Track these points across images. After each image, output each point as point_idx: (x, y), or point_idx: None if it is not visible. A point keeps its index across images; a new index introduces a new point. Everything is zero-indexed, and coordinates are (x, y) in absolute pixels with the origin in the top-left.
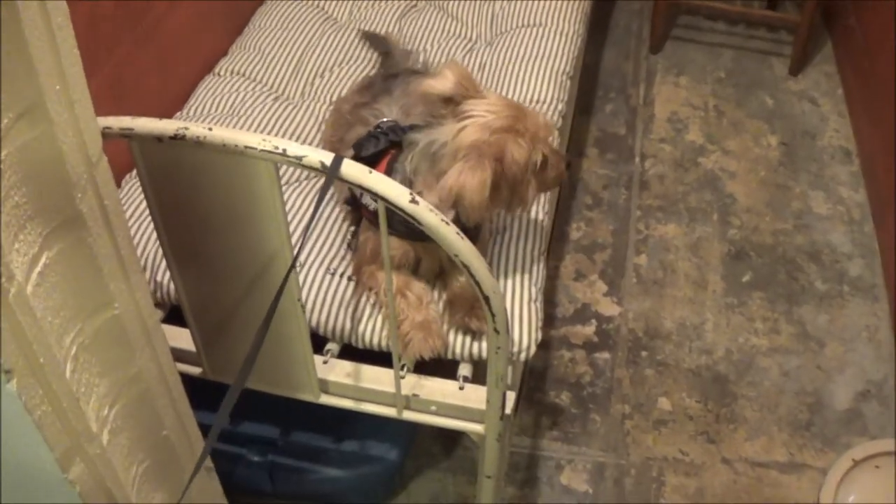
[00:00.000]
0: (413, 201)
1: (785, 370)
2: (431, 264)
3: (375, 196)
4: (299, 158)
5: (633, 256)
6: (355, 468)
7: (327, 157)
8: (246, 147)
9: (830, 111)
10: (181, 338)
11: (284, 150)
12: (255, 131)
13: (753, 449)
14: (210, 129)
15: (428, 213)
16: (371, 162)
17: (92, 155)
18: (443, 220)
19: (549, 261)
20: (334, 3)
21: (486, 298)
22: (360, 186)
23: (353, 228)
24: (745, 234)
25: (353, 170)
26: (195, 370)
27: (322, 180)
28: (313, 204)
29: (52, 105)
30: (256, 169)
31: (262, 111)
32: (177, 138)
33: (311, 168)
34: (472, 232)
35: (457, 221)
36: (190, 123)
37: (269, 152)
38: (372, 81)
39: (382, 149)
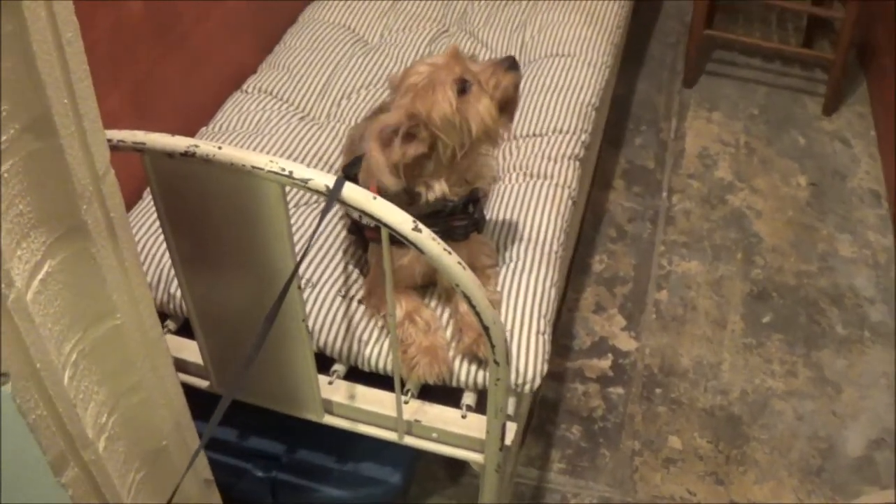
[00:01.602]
0: (416, 229)
1: (799, 414)
2: (445, 282)
3: (378, 223)
4: (305, 181)
5: (653, 292)
6: (357, 489)
7: (333, 181)
8: (253, 167)
9: (862, 153)
10: (190, 350)
11: (291, 173)
12: (279, 151)
13: (762, 493)
14: (220, 147)
15: (430, 242)
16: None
17: (99, 168)
18: (445, 249)
19: (568, 293)
20: (366, 26)
21: (487, 329)
22: (363, 212)
23: (365, 256)
24: (768, 275)
25: (356, 194)
26: (203, 383)
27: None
28: (322, 225)
29: (60, 118)
30: (264, 189)
31: (287, 131)
32: (187, 155)
33: (316, 191)
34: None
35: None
36: (201, 141)
37: (276, 173)
38: (383, 108)
39: None
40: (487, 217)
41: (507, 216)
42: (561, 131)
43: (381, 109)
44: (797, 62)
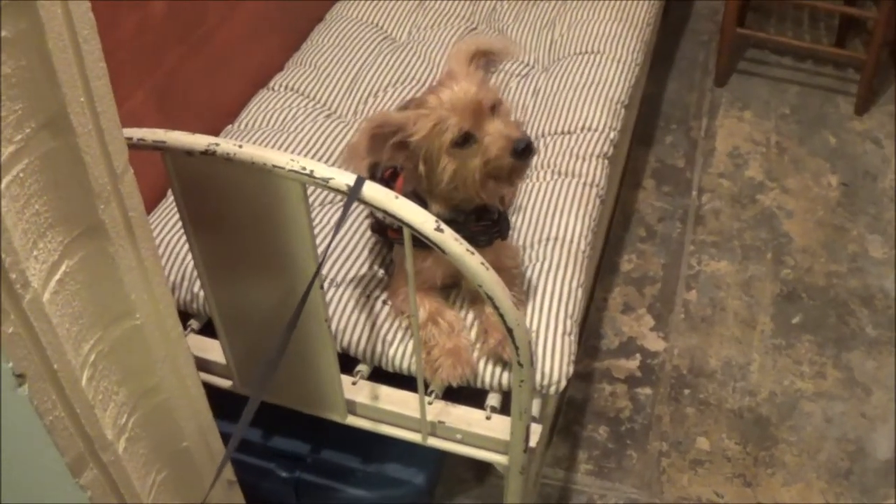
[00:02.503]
0: (438, 229)
1: (828, 416)
2: (469, 285)
3: (400, 223)
4: (326, 180)
5: (682, 292)
6: (381, 490)
7: (353, 180)
8: (274, 166)
9: (893, 153)
10: (214, 350)
11: (312, 172)
12: (304, 149)
13: (790, 495)
14: (240, 146)
15: (453, 242)
16: (390, 180)
17: (117, 167)
18: (468, 249)
19: (596, 292)
20: (394, 23)
21: (510, 330)
22: (385, 211)
23: (390, 255)
24: (798, 275)
25: (377, 194)
26: (226, 383)
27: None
28: (344, 225)
29: (76, 116)
30: (285, 188)
31: (313, 128)
32: (207, 153)
33: (337, 190)
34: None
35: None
36: (221, 139)
37: (297, 172)
38: (407, 105)
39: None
40: (513, 216)
41: (535, 214)
42: (590, 129)
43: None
44: (829, 62)
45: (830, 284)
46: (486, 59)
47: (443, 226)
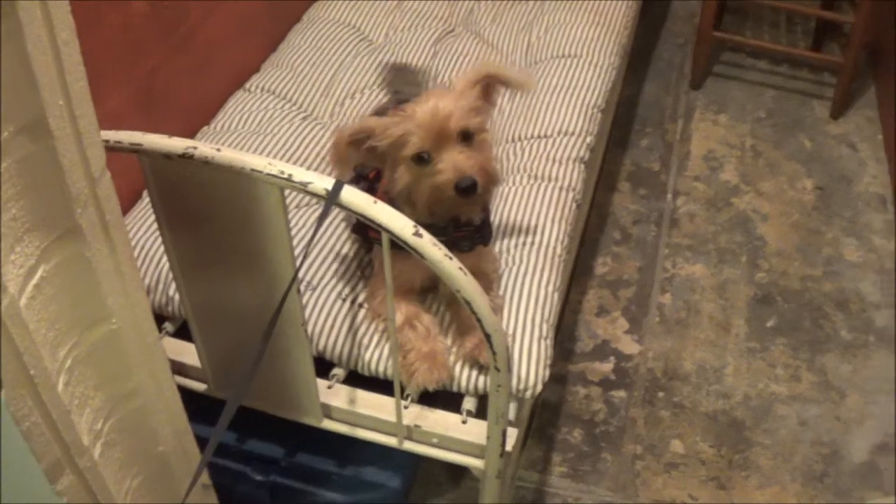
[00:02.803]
0: (417, 234)
1: (803, 419)
2: (447, 288)
3: (379, 227)
4: (304, 184)
5: (657, 295)
6: (356, 494)
7: (332, 185)
8: (252, 170)
9: (869, 157)
10: (189, 353)
11: (290, 176)
12: (280, 151)
13: (764, 497)
14: (218, 149)
15: (431, 247)
16: (375, 181)
17: (94, 170)
18: (446, 254)
19: (571, 295)
20: (371, 25)
21: (488, 336)
22: (363, 216)
23: (368, 256)
24: (773, 279)
25: (356, 198)
26: (201, 386)
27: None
28: (322, 228)
29: (55, 120)
30: (263, 192)
31: (290, 130)
32: (185, 157)
33: (315, 195)
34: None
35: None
36: (199, 143)
37: (275, 176)
38: (384, 108)
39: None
40: (492, 217)
41: (511, 219)
42: (566, 133)
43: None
44: (805, 65)
45: (805, 288)
46: (496, 85)
47: (421, 231)
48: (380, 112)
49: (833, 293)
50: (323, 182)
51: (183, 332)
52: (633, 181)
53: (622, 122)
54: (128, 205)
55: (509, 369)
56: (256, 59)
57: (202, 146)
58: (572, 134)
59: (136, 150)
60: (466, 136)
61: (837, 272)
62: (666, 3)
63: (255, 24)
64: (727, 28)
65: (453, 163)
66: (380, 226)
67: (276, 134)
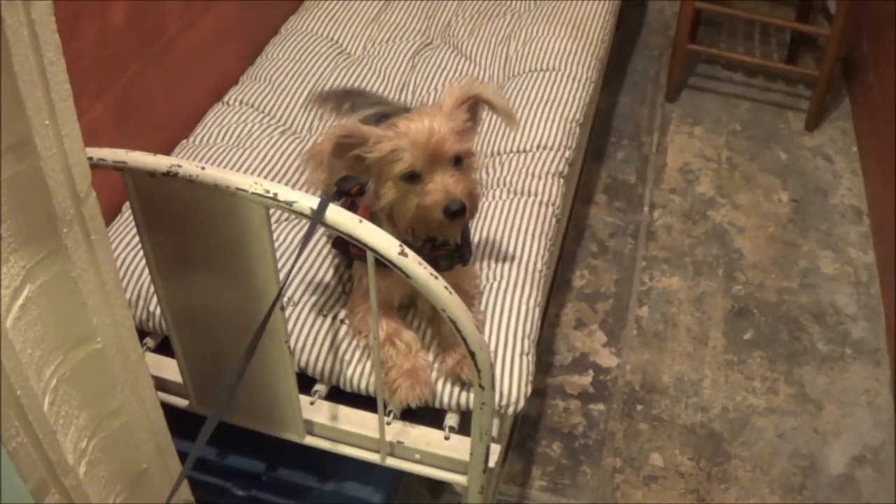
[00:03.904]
0: (402, 253)
1: (780, 431)
2: (426, 305)
3: (364, 247)
4: (290, 203)
5: (635, 308)
6: None
7: (317, 204)
8: (237, 189)
9: (844, 169)
10: (170, 368)
11: (275, 195)
12: (260, 165)
13: None
14: (203, 168)
15: (416, 266)
16: (354, 199)
17: (80, 190)
18: (432, 273)
19: (549, 308)
20: (349, 38)
21: (472, 354)
22: (349, 236)
23: (348, 272)
24: (749, 291)
25: (341, 217)
26: (182, 402)
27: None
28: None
29: (41, 140)
30: (247, 210)
31: (269, 144)
32: (169, 175)
33: (300, 214)
34: (454, 256)
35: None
36: (183, 161)
37: (260, 195)
38: (364, 122)
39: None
40: (472, 233)
41: (491, 234)
42: (545, 147)
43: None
44: (780, 77)
45: (782, 300)
46: (480, 107)
47: (407, 250)
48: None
49: (809, 305)
50: (308, 201)
51: (164, 348)
52: (610, 194)
53: (598, 134)
54: (107, 219)
55: (493, 387)
56: (235, 71)
57: (186, 164)
58: (551, 148)
59: (121, 168)
60: (457, 161)
61: (814, 284)
62: (641, 15)
63: (232, 37)
64: (702, 40)
65: (444, 185)
66: (365, 245)
67: (255, 148)
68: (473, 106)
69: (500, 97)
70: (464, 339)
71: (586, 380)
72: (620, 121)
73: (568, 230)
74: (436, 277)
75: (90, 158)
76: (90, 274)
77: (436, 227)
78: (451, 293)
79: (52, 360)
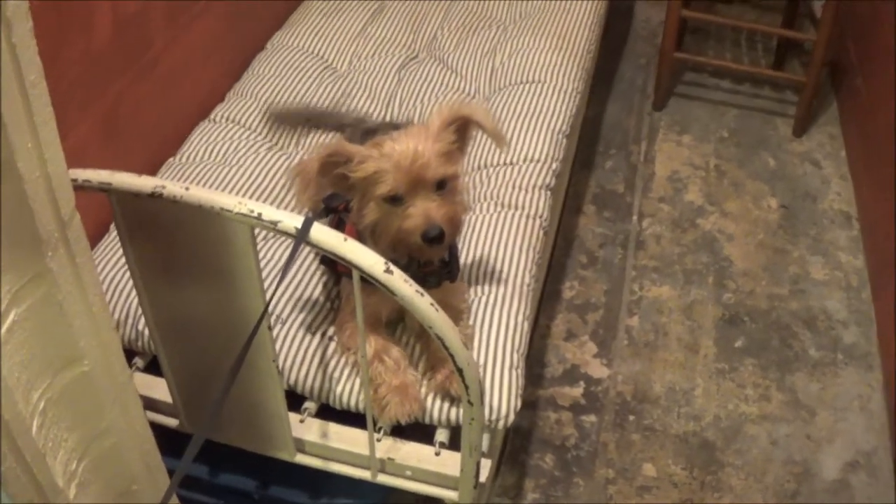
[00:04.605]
0: (388, 271)
1: (773, 438)
2: (415, 320)
3: (349, 265)
4: (274, 223)
5: (625, 318)
6: None
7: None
8: (222, 209)
9: (833, 174)
10: (160, 388)
11: (260, 214)
12: (246, 182)
13: None
14: (187, 188)
15: (402, 284)
16: (342, 216)
17: (64, 213)
18: (417, 290)
19: (539, 319)
20: (335, 52)
21: (460, 370)
22: (334, 255)
23: (336, 288)
24: (740, 299)
25: (326, 237)
26: (172, 422)
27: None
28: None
29: (23, 163)
30: (233, 230)
31: (255, 161)
32: (154, 196)
33: (285, 234)
34: (442, 273)
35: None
36: (168, 182)
37: (245, 215)
38: (350, 138)
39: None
40: (460, 248)
41: (479, 248)
42: (532, 160)
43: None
44: (768, 84)
45: (772, 307)
46: (470, 127)
47: (392, 268)
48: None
49: (800, 312)
50: (292, 220)
51: (154, 367)
52: (599, 203)
53: (586, 143)
54: (94, 238)
55: (482, 402)
56: (221, 87)
57: (171, 185)
58: (538, 161)
59: (106, 189)
60: (441, 185)
61: (804, 290)
62: (628, 24)
63: (218, 53)
64: (689, 48)
65: (424, 210)
66: (350, 263)
67: (241, 165)
68: (462, 126)
69: (489, 117)
70: (451, 356)
71: (577, 391)
72: (608, 130)
73: (557, 241)
74: (422, 294)
75: (75, 180)
76: (76, 296)
77: (415, 250)
78: (437, 310)
79: (40, 384)
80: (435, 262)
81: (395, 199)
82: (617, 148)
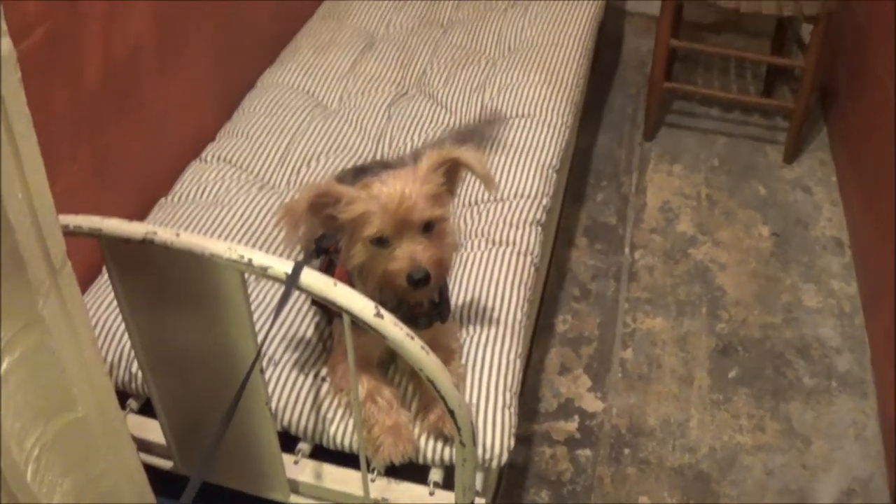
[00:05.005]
0: (378, 315)
1: (769, 468)
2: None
3: (340, 310)
4: (264, 269)
5: (619, 350)
6: None
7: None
8: (212, 255)
9: (824, 199)
10: (154, 430)
11: (250, 260)
12: (238, 223)
13: None
14: (178, 234)
15: (392, 328)
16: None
17: (55, 261)
18: (408, 334)
19: (533, 354)
20: (325, 90)
21: (452, 412)
22: (324, 299)
23: (329, 329)
24: (733, 328)
25: (316, 281)
26: (167, 463)
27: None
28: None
29: (14, 214)
30: (223, 275)
31: (247, 201)
32: (145, 242)
33: (275, 279)
34: (433, 314)
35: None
36: (159, 227)
37: (235, 261)
38: (342, 177)
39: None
40: (451, 285)
41: (470, 286)
42: (522, 196)
43: (342, 179)
44: (757, 111)
45: (766, 336)
46: (460, 170)
47: (382, 311)
48: (340, 180)
49: (794, 340)
50: (283, 266)
51: (147, 409)
52: (590, 236)
53: (577, 175)
54: (87, 280)
55: (474, 443)
56: (212, 126)
57: (162, 231)
58: (528, 196)
59: (96, 235)
60: (428, 227)
61: (797, 318)
62: (617, 54)
63: (208, 92)
64: (678, 77)
65: (410, 253)
66: (341, 308)
67: (233, 205)
68: (452, 168)
69: (479, 160)
70: (443, 398)
71: (572, 425)
72: (599, 161)
73: (549, 274)
74: (412, 338)
75: (66, 226)
76: (68, 344)
77: (401, 292)
78: (427, 353)
79: (34, 430)
80: (424, 303)
81: (381, 241)
82: (608, 179)
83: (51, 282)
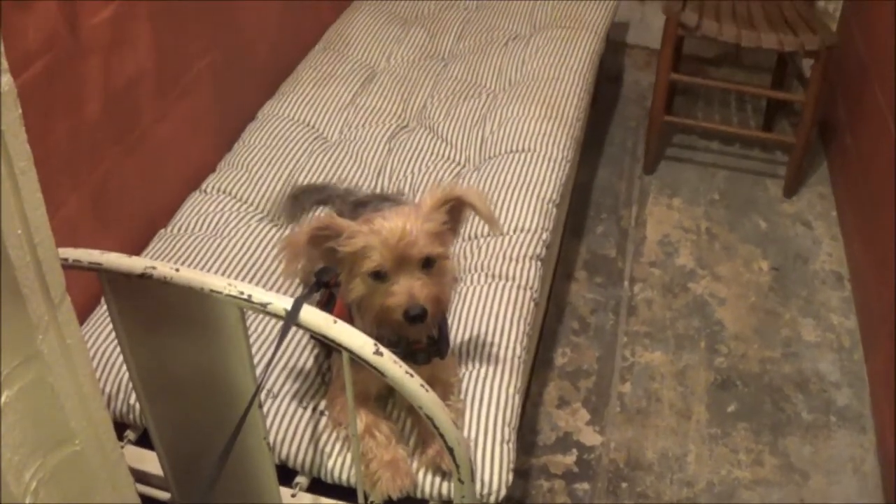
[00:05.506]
0: (377, 353)
1: (767, 503)
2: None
3: (339, 347)
4: (264, 305)
5: (617, 384)
6: None
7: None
8: (211, 290)
9: (824, 234)
10: (151, 461)
11: (249, 296)
12: (237, 255)
13: None
14: (177, 269)
15: (392, 365)
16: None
17: (54, 296)
18: (407, 372)
19: (531, 387)
20: (325, 122)
21: (451, 449)
22: (324, 337)
23: (328, 362)
24: (732, 363)
25: (315, 318)
26: (164, 495)
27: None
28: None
29: (14, 249)
30: (223, 311)
31: (247, 233)
32: (144, 277)
33: (275, 315)
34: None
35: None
36: (158, 262)
37: (234, 297)
38: (340, 211)
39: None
40: (451, 319)
41: (469, 320)
42: (522, 230)
43: (340, 214)
44: (757, 145)
45: (765, 370)
46: (464, 209)
47: (382, 349)
48: (339, 213)
49: (792, 374)
50: (282, 302)
51: (145, 440)
52: (590, 269)
53: (577, 208)
54: (85, 310)
55: (473, 480)
56: (212, 158)
57: (161, 266)
58: (528, 231)
59: (96, 269)
60: (427, 263)
61: (796, 353)
62: (617, 88)
63: (208, 124)
64: (678, 110)
65: (408, 289)
66: (340, 345)
67: (233, 237)
68: (456, 207)
69: (482, 200)
70: (441, 436)
71: (570, 459)
72: (599, 194)
73: (548, 308)
74: (411, 375)
75: (65, 260)
76: (66, 378)
77: (396, 328)
78: (427, 390)
79: (32, 464)
80: (423, 339)
81: (380, 276)
82: (608, 212)
83: (50, 317)
